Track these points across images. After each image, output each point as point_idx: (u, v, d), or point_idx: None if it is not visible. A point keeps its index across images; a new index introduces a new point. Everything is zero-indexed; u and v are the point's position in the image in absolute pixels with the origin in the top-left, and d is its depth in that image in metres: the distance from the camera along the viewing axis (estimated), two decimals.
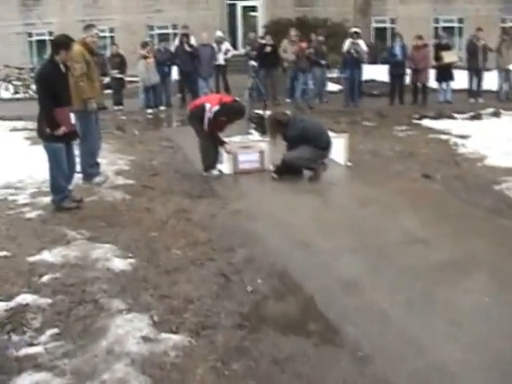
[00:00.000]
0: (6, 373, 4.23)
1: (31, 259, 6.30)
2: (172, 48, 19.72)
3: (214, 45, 19.85)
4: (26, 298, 5.33)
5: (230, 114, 9.56)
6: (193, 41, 19.89)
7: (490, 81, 19.38)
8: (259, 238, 6.91)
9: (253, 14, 32.48)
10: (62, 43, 8.00)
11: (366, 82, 20.89)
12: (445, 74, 18.92)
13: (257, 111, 13.39)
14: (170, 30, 30.93)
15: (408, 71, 19.00)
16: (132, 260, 6.30)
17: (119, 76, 18.81)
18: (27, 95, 23.27)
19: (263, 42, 19.79)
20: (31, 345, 4.60)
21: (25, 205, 8.35)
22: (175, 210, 8.00)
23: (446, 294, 5.34)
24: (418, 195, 8.63)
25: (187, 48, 18.67)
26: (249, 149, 10.24)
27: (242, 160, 10.08)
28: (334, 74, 20.99)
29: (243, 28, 31.49)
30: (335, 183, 9.44)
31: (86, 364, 4.30)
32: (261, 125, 11.68)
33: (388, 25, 31.34)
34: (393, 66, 18.95)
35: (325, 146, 9.58)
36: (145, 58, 18.34)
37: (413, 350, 4.43)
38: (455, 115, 16.02)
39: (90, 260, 6.28)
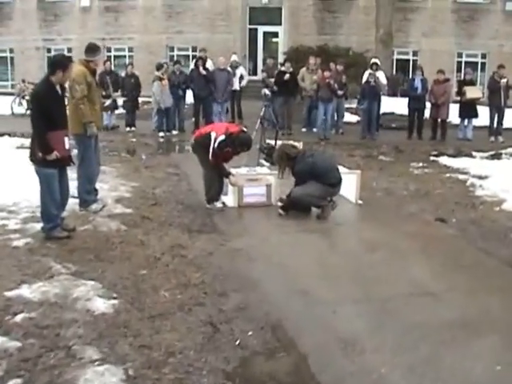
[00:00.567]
0: None
1: (8, 294, 5.85)
2: (188, 71, 19.36)
3: (229, 69, 19.45)
4: None
5: (235, 144, 9.11)
6: (209, 64, 19.58)
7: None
8: (256, 282, 6.42)
9: (274, 39, 32.16)
10: (60, 63, 7.60)
11: (385, 114, 20.49)
12: (469, 110, 18.42)
13: (268, 141, 12.94)
14: (190, 52, 30.68)
15: (428, 105, 18.48)
16: (115, 301, 5.82)
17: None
18: None
19: (283, 69, 19.36)
20: None
21: (14, 231, 7.90)
22: (171, 246, 7.53)
23: (454, 358, 4.82)
24: (430, 241, 8.11)
25: (202, 71, 18.26)
26: (255, 181, 9.79)
27: (248, 193, 9.61)
28: (353, 104, 20.52)
29: (264, 53, 31.13)
30: (343, 223, 8.92)
31: None
32: (271, 155, 11.24)
33: (410, 57, 30.90)
34: (412, 99, 18.52)
35: (334, 183, 9.09)
36: (160, 79, 17.97)
37: None
38: (474, 154, 15.50)
39: (70, 299, 5.82)
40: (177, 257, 7.15)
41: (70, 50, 29.52)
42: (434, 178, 12.39)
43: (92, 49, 9.02)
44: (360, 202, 9.96)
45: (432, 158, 14.88)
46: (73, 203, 8.93)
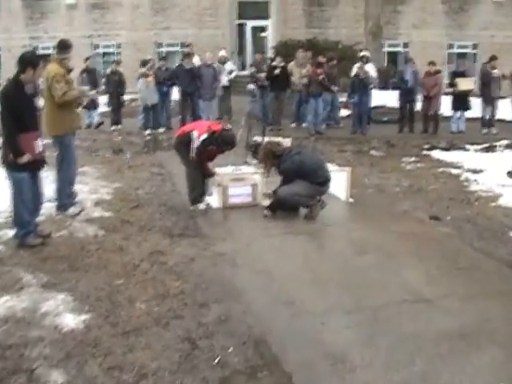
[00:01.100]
0: None
1: None
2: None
3: (215, 65, 18.99)
4: None
5: (218, 143, 8.70)
6: (196, 60, 19.09)
7: (504, 110, 18.44)
8: (239, 291, 6.01)
9: (263, 34, 31.70)
10: (30, 61, 7.14)
11: (376, 107, 20.05)
12: (461, 102, 17.98)
13: (256, 138, 12.50)
14: (179, 48, 30.18)
15: (419, 98, 18.07)
16: (87, 316, 5.42)
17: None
18: None
19: (273, 63, 18.89)
20: None
21: None
22: (150, 252, 7.12)
23: (452, 373, 4.43)
24: (424, 241, 7.70)
25: (187, 66, 17.81)
26: (240, 181, 9.37)
27: (233, 193, 9.20)
28: (343, 98, 20.06)
29: (253, 48, 30.66)
30: (333, 224, 8.49)
31: None
32: (258, 153, 10.79)
33: (401, 49, 30.48)
34: (403, 91, 18.09)
35: (323, 182, 8.67)
36: (145, 76, 17.51)
37: None
38: (467, 146, 15.08)
39: (38, 314, 5.44)
40: (156, 264, 6.74)
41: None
42: (426, 172, 11.98)
43: (65, 46, 8.59)
44: (351, 200, 9.57)
45: (424, 152, 14.46)
46: (50, 207, 8.54)
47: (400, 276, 6.37)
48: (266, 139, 11.17)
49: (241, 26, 31.37)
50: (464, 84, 17.93)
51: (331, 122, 19.06)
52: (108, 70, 20.04)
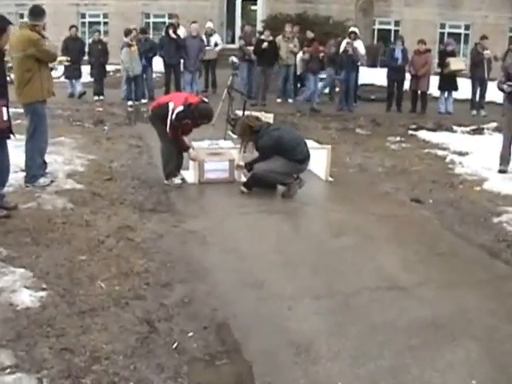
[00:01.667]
0: None
1: None
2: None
3: (204, 37, 18.61)
4: None
5: (195, 116, 8.39)
6: (182, 31, 18.72)
7: (494, 92, 18.13)
8: (206, 271, 5.75)
9: (253, 7, 31.22)
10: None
11: (364, 85, 19.77)
12: (449, 82, 17.69)
13: (237, 112, 12.19)
14: (166, 19, 29.65)
15: (408, 77, 17.75)
16: (44, 293, 5.11)
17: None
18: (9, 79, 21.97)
19: (262, 37, 18.47)
20: None
21: None
22: (118, 227, 6.82)
23: (422, 368, 4.16)
24: (404, 224, 7.45)
25: (172, 35, 17.43)
26: (217, 156, 9.08)
27: (209, 169, 8.92)
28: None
29: (242, 22, 30.17)
30: (310, 203, 8.21)
31: None
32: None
33: (392, 27, 30.10)
34: (392, 70, 17.78)
35: (301, 159, 8.38)
36: (129, 46, 17.10)
37: None
38: (455, 128, 14.79)
39: None
40: (122, 240, 6.45)
41: None
42: (411, 153, 11.71)
43: (38, 12, 8.21)
44: (330, 179, 9.31)
45: (410, 132, 14.18)
46: (19, 178, 8.24)
47: (376, 261, 6.12)
48: (247, 113, 10.85)
49: None
50: (456, 64, 17.63)
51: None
52: (90, 40, 19.64)
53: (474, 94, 17.98)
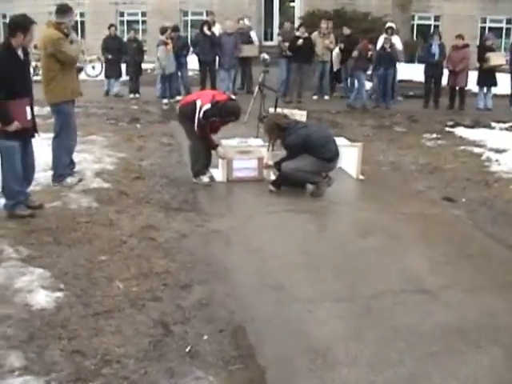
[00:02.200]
0: None
1: None
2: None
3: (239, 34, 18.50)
4: None
5: (222, 114, 8.30)
6: (218, 28, 18.60)
7: None
8: (227, 272, 5.65)
9: (291, 4, 31.01)
10: (20, 25, 6.77)
11: (402, 81, 19.41)
12: (488, 78, 17.24)
13: (269, 109, 12.03)
14: (204, 17, 29.56)
15: (446, 72, 17.41)
16: (60, 294, 5.07)
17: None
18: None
19: (297, 34, 18.27)
20: None
21: None
22: (142, 226, 6.76)
23: (444, 376, 4.00)
24: (434, 224, 7.24)
25: (207, 32, 17.38)
26: (246, 154, 8.95)
27: (237, 167, 8.80)
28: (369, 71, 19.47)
29: (280, 18, 29.96)
30: (339, 202, 8.04)
31: None
32: None
33: (432, 22, 29.64)
34: (429, 65, 17.43)
35: (330, 158, 8.22)
36: (165, 44, 17.09)
37: None
38: (493, 124, 14.42)
39: (11, 290, 5.11)
40: (145, 240, 6.38)
41: (82, 14, 28.83)
42: (446, 151, 11.41)
43: (64, 10, 8.10)
44: (362, 177, 9.12)
45: (447, 129, 13.84)
46: (47, 177, 8.24)
47: (401, 262, 5.94)
48: (278, 111, 10.71)
49: None
50: (496, 59, 17.22)
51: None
52: (125, 38, 19.70)
53: None
